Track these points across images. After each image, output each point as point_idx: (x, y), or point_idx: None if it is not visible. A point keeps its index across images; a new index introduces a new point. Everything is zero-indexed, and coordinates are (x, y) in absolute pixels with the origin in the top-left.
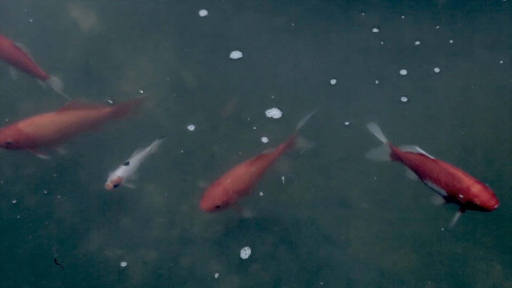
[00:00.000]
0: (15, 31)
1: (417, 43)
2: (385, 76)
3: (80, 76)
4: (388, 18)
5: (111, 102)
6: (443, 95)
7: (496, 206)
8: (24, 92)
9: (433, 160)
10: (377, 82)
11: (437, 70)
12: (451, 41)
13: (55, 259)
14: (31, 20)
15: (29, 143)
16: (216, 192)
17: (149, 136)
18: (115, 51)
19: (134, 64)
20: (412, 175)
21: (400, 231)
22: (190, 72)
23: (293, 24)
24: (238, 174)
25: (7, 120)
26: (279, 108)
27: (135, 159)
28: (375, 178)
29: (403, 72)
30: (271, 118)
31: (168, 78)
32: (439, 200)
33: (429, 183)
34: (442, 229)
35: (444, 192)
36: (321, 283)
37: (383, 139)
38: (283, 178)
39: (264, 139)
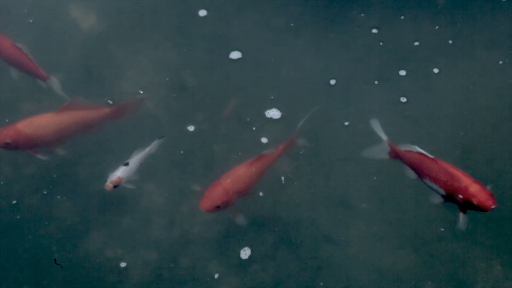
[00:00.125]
0: (15, 32)
1: (416, 43)
2: (385, 77)
3: (80, 76)
4: (387, 18)
5: (111, 102)
6: (442, 95)
7: (493, 207)
8: (25, 92)
9: (432, 159)
10: (376, 82)
11: (436, 70)
12: (450, 42)
13: (55, 259)
14: (31, 21)
15: (28, 144)
16: (216, 192)
17: (149, 136)
18: (115, 51)
19: (134, 64)
20: (411, 174)
21: (400, 231)
22: (190, 72)
23: (292, 25)
24: (238, 174)
25: (7, 120)
26: (278, 108)
27: (134, 160)
28: (375, 178)
29: (402, 72)
30: (271, 118)
31: (167, 79)
32: (437, 199)
33: (428, 182)
34: (442, 229)
35: (442, 191)
36: (321, 284)
37: (384, 136)
38: (282, 178)
39: (264, 139)
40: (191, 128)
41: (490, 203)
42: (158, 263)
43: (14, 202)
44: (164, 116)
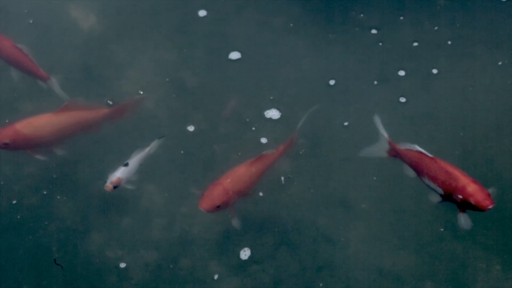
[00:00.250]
0: (15, 32)
1: (416, 44)
2: (384, 77)
3: (80, 76)
4: (387, 19)
5: (110, 103)
6: (441, 96)
7: (490, 207)
8: (25, 92)
9: (431, 158)
10: (376, 82)
11: (435, 71)
12: (449, 42)
13: (55, 260)
14: (31, 21)
15: (26, 144)
16: (216, 192)
17: (149, 136)
18: (115, 51)
19: (133, 64)
20: (410, 172)
21: (400, 232)
22: (189, 73)
23: (292, 25)
24: (238, 174)
25: (7, 121)
26: (278, 108)
27: (134, 160)
28: (375, 178)
29: (402, 73)
30: (270, 118)
31: (167, 79)
32: (436, 198)
33: (427, 181)
34: (442, 229)
35: (440, 191)
36: (321, 284)
37: (385, 134)
38: (282, 178)
39: (263, 140)
40: (191, 128)
41: (488, 203)
42: (158, 263)
43: (14, 202)
44: (164, 116)
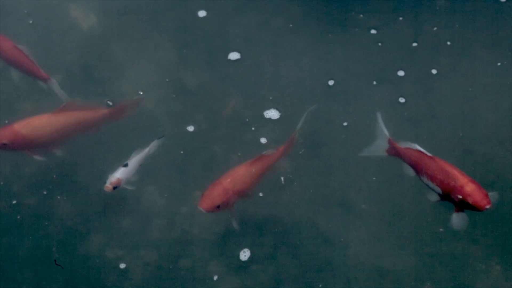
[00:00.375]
0: (15, 33)
1: (415, 44)
2: (383, 77)
3: (80, 76)
4: (386, 19)
5: (110, 103)
6: (441, 96)
7: (487, 207)
8: (25, 93)
9: (430, 157)
10: (375, 83)
11: (434, 71)
12: (448, 43)
13: (55, 260)
14: (30, 21)
15: (25, 145)
16: (216, 192)
17: (149, 136)
18: (115, 51)
19: (133, 65)
20: (410, 171)
21: (399, 232)
22: (189, 73)
23: (291, 25)
24: (238, 174)
25: (6, 121)
26: (277, 109)
27: (134, 160)
28: (374, 178)
29: (401, 73)
30: (270, 119)
31: (167, 79)
32: (434, 197)
33: (425, 180)
34: (441, 229)
35: (438, 190)
36: (321, 285)
37: (386, 132)
38: (282, 178)
39: (263, 140)
40: (190, 128)
41: (485, 203)
42: (158, 263)
43: (14, 202)
44: (164, 116)
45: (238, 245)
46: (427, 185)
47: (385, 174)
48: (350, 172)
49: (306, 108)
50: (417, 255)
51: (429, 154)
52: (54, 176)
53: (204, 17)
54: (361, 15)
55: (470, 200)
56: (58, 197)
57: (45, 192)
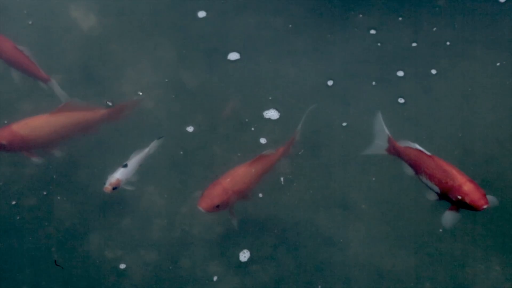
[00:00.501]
0: (15, 33)
1: (414, 44)
2: (383, 77)
3: (80, 77)
4: (385, 19)
5: (110, 103)
6: (440, 96)
7: (485, 207)
8: (25, 93)
9: (429, 156)
10: (374, 83)
11: (434, 71)
12: (448, 43)
13: (55, 261)
14: (30, 22)
15: (23, 145)
16: (215, 192)
17: (148, 137)
18: (115, 52)
19: (133, 65)
20: (409, 171)
21: (399, 232)
22: (189, 73)
23: (290, 26)
24: (237, 174)
25: (5, 122)
26: (276, 109)
27: (133, 161)
28: (374, 179)
29: (400, 73)
30: (269, 119)
31: (166, 79)
32: (432, 196)
33: (424, 179)
34: (441, 230)
35: (437, 189)
36: (320, 286)
37: (386, 131)
38: (282, 179)
39: (263, 140)
40: (190, 128)
41: (482, 203)
42: (158, 264)
43: (14, 203)
44: (163, 116)
45: (238, 246)
46: (426, 184)
47: (385, 174)
48: (349, 172)
49: (306, 108)
50: (416, 255)
51: (428, 153)
52: (54, 177)
53: (203, 18)
54: (361, 15)
55: (467, 200)
56: (58, 198)
57: (45, 193)
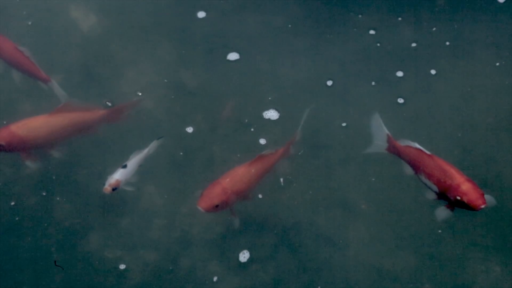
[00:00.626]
0: (14, 34)
1: (414, 44)
2: (382, 78)
3: (80, 77)
4: (385, 20)
5: (109, 104)
6: (439, 97)
7: (482, 206)
8: (25, 93)
9: (428, 155)
10: (373, 83)
11: (433, 72)
12: (447, 43)
13: (55, 261)
14: (30, 23)
15: (21, 146)
16: (215, 191)
17: (148, 137)
18: (115, 52)
19: (133, 65)
20: (409, 170)
21: (399, 233)
22: (188, 74)
23: (290, 26)
24: (237, 174)
25: (4, 122)
26: (276, 109)
27: (133, 161)
28: (373, 179)
29: (400, 73)
30: (269, 119)
31: (166, 80)
32: (431, 196)
33: (423, 178)
34: (440, 230)
35: (435, 188)
36: (320, 286)
37: (385, 130)
38: (281, 179)
39: (262, 141)
40: (189, 129)
41: (480, 203)
42: (158, 264)
43: (13, 203)
44: (163, 117)
45: (238, 246)
46: (425, 184)
47: (385, 174)
48: (349, 173)
49: (305, 108)
50: (416, 255)
51: (427, 152)
52: (54, 177)
53: (203, 18)
54: (360, 16)
55: (465, 199)
56: (58, 198)
57: (44, 193)
